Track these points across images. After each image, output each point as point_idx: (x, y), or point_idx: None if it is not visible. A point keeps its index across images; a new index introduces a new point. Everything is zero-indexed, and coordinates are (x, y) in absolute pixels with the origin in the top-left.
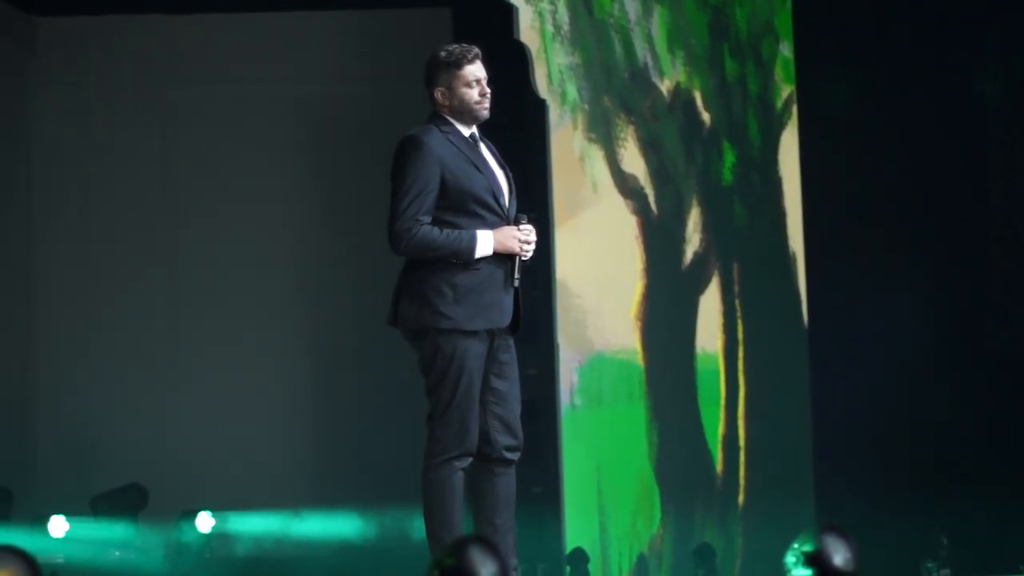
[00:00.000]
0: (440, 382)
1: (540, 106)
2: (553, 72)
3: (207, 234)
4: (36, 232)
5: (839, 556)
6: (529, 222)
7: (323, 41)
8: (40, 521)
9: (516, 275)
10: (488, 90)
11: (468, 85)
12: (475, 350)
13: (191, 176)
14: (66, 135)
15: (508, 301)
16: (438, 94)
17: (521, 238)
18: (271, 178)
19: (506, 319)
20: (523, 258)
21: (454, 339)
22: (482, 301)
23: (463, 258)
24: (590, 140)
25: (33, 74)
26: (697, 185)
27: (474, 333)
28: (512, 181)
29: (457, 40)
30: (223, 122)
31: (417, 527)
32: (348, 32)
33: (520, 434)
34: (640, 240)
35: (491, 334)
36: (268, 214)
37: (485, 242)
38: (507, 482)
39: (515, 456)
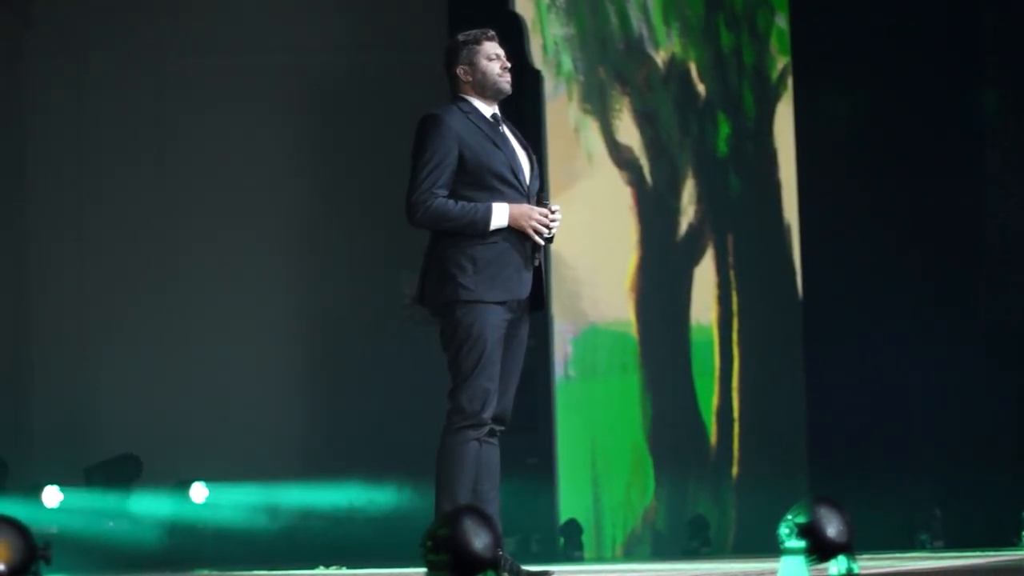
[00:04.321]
0: (461, 353)
1: (535, 77)
2: (548, 43)
3: (204, 206)
4: (32, 201)
5: (832, 527)
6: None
7: (320, 12)
8: (34, 491)
9: (535, 254)
10: (509, 64)
11: (489, 59)
12: (495, 321)
13: (188, 146)
14: (62, 104)
15: (528, 275)
16: (460, 71)
17: (536, 216)
18: (267, 149)
19: (525, 291)
20: (539, 241)
21: (475, 310)
22: (502, 274)
23: (478, 229)
24: (585, 111)
25: (29, 44)
26: (692, 156)
27: (495, 304)
28: (535, 163)
29: (452, 12)
30: (220, 92)
31: (409, 497)
32: (344, 3)
33: (510, 408)
34: (635, 211)
35: (512, 306)
36: (264, 188)
37: (500, 214)
38: (490, 451)
39: (500, 427)
